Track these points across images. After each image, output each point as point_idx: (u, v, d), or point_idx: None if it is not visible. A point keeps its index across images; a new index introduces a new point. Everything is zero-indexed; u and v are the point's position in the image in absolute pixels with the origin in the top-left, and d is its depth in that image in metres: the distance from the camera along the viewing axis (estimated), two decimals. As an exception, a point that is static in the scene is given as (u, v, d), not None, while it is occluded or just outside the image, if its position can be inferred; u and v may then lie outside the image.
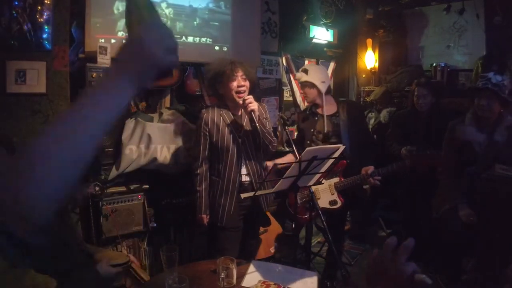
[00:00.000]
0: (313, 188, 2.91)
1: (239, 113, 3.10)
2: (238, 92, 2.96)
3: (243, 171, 3.08)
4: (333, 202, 3.31)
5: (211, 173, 3.12)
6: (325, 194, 3.41)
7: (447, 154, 3.65)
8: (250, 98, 2.90)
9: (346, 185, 3.38)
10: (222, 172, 3.05)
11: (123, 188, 3.53)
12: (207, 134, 3.04)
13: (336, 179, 3.36)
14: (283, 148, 5.04)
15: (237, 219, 3.13)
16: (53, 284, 1.68)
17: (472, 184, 3.35)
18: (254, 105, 2.88)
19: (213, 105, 3.24)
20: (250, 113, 2.89)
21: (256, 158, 3.13)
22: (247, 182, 3.10)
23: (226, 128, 3.03)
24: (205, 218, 3.08)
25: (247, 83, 3.00)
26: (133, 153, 3.46)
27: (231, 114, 3.08)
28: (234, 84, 2.95)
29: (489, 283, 3.21)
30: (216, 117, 3.06)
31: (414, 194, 4.36)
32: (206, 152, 3.08)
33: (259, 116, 2.98)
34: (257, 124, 2.90)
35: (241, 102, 2.93)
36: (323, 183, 3.33)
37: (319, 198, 3.39)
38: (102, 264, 2.21)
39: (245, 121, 3.07)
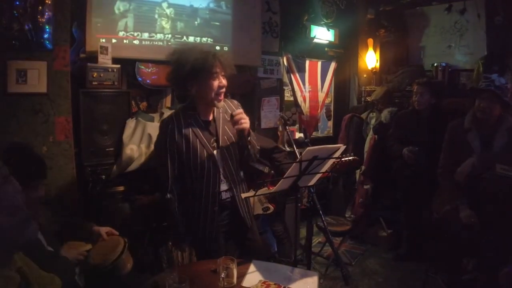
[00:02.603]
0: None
1: (211, 118, 2.64)
2: (218, 94, 2.52)
3: (223, 187, 2.64)
4: (265, 209, 3.37)
5: (184, 194, 2.61)
6: (257, 203, 3.53)
7: (447, 155, 3.64)
8: (240, 113, 2.50)
9: (273, 194, 3.49)
10: (198, 193, 2.58)
11: (124, 188, 3.53)
12: (175, 150, 2.51)
13: (265, 189, 3.33)
14: (284, 148, 5.03)
15: (220, 238, 2.71)
16: (59, 282, 1.68)
17: (473, 185, 3.35)
18: (246, 123, 2.50)
19: (176, 111, 2.65)
20: (240, 132, 2.53)
21: (236, 168, 2.71)
22: (228, 199, 2.68)
23: (198, 141, 2.53)
24: (186, 245, 2.64)
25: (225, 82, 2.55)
26: (134, 153, 3.45)
27: (201, 121, 2.58)
28: (216, 83, 2.48)
29: (490, 283, 3.20)
30: (183, 128, 2.51)
31: (414, 195, 4.35)
32: (176, 172, 2.55)
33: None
34: (248, 143, 2.56)
35: (220, 105, 2.58)
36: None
37: (252, 207, 3.45)
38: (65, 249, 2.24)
39: (220, 127, 2.64)
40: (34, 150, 2.39)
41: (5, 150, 2.17)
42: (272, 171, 3.68)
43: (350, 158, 3.70)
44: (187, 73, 2.42)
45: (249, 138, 2.58)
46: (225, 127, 2.65)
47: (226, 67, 2.54)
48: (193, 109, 2.58)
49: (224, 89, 2.53)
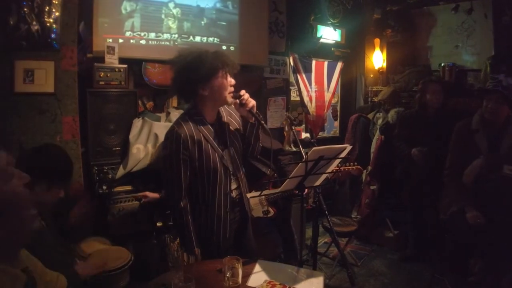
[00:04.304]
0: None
1: (215, 119, 2.60)
2: (230, 92, 2.49)
3: (232, 186, 2.61)
4: (266, 212, 3.37)
5: (194, 201, 2.54)
6: (258, 206, 3.47)
7: (453, 156, 3.62)
8: (245, 93, 2.50)
9: (275, 198, 3.47)
10: (211, 198, 2.53)
11: (130, 187, 3.54)
12: (187, 159, 2.44)
13: (257, 193, 3.31)
14: (290, 148, 5.03)
15: (231, 238, 2.67)
16: (64, 282, 1.68)
17: (480, 186, 3.33)
18: (252, 100, 2.51)
19: (182, 117, 2.56)
20: (250, 110, 2.51)
21: (241, 164, 2.70)
22: (237, 197, 2.66)
23: (209, 145, 2.48)
24: (198, 251, 2.41)
25: None
26: (140, 153, 3.47)
27: (208, 124, 2.52)
28: (228, 82, 2.47)
29: (496, 285, 3.19)
30: (195, 134, 2.44)
31: (421, 196, 4.34)
32: (188, 180, 2.48)
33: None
34: (260, 119, 2.55)
35: (231, 101, 2.53)
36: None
37: (253, 209, 3.40)
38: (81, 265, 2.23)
39: (225, 126, 2.61)
40: (66, 152, 2.38)
41: (37, 149, 2.19)
42: (275, 174, 3.67)
43: (353, 167, 3.69)
44: (202, 76, 2.38)
45: (256, 113, 2.55)
46: (230, 126, 2.65)
47: (234, 65, 2.51)
48: (198, 113, 2.51)
49: (233, 87, 2.51)
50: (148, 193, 3.28)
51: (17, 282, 1.25)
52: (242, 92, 2.50)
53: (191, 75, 2.39)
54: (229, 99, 2.51)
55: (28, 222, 1.28)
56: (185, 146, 2.41)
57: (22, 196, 1.27)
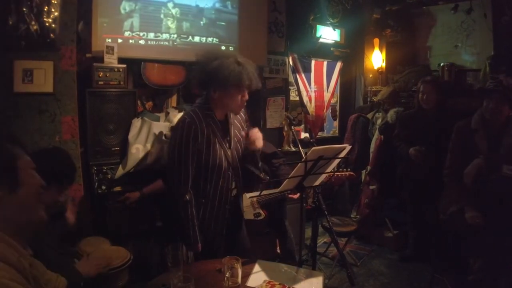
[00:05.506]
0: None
1: (224, 118, 2.63)
2: (239, 106, 2.58)
3: (233, 185, 2.69)
4: (257, 215, 3.37)
5: (196, 195, 2.54)
6: (249, 209, 3.47)
7: (453, 156, 3.62)
8: (257, 132, 2.67)
9: (267, 201, 3.44)
10: (212, 193, 2.57)
11: (129, 187, 3.53)
12: (196, 151, 2.46)
13: (256, 193, 3.30)
14: (289, 148, 5.03)
15: (223, 235, 2.73)
16: (64, 282, 1.68)
17: (479, 186, 3.33)
18: (260, 143, 2.67)
19: (193, 109, 2.56)
20: (254, 150, 2.69)
21: (240, 166, 2.75)
22: (233, 196, 2.72)
23: (217, 141, 2.53)
24: (199, 246, 2.52)
25: None
26: (139, 152, 3.46)
27: (217, 121, 2.56)
28: (239, 97, 2.52)
29: (496, 284, 3.19)
30: (205, 127, 2.48)
31: (421, 195, 4.33)
32: (193, 172, 2.49)
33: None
34: (258, 161, 2.74)
35: (238, 113, 2.67)
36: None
37: (244, 212, 3.41)
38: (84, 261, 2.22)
39: (231, 128, 2.66)
40: (69, 156, 2.38)
41: (42, 151, 2.19)
42: (268, 177, 3.66)
43: (346, 173, 3.68)
44: (218, 81, 2.41)
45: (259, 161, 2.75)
46: (235, 130, 2.68)
47: (257, 85, 2.53)
48: (209, 109, 2.53)
49: (245, 103, 2.56)
50: (129, 195, 3.29)
51: (23, 271, 1.26)
52: (254, 130, 2.72)
53: (210, 79, 2.44)
54: (237, 111, 2.63)
55: (38, 205, 1.36)
56: (195, 137, 2.43)
57: (36, 178, 1.38)
